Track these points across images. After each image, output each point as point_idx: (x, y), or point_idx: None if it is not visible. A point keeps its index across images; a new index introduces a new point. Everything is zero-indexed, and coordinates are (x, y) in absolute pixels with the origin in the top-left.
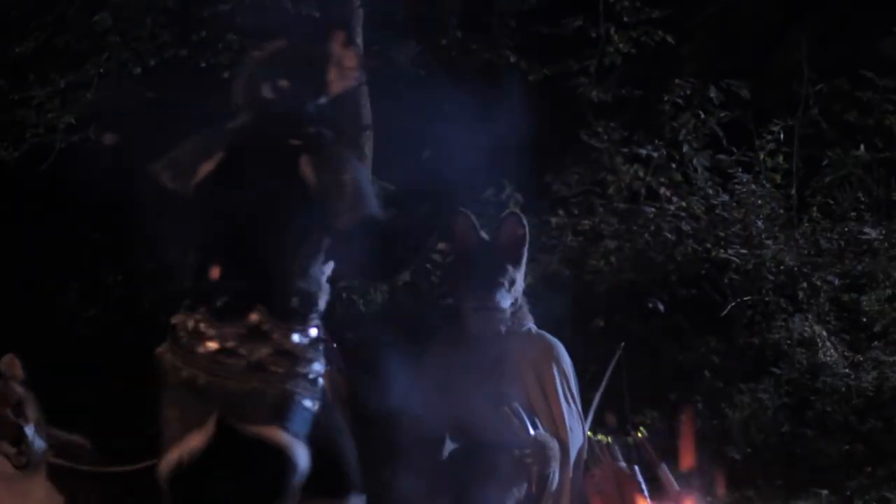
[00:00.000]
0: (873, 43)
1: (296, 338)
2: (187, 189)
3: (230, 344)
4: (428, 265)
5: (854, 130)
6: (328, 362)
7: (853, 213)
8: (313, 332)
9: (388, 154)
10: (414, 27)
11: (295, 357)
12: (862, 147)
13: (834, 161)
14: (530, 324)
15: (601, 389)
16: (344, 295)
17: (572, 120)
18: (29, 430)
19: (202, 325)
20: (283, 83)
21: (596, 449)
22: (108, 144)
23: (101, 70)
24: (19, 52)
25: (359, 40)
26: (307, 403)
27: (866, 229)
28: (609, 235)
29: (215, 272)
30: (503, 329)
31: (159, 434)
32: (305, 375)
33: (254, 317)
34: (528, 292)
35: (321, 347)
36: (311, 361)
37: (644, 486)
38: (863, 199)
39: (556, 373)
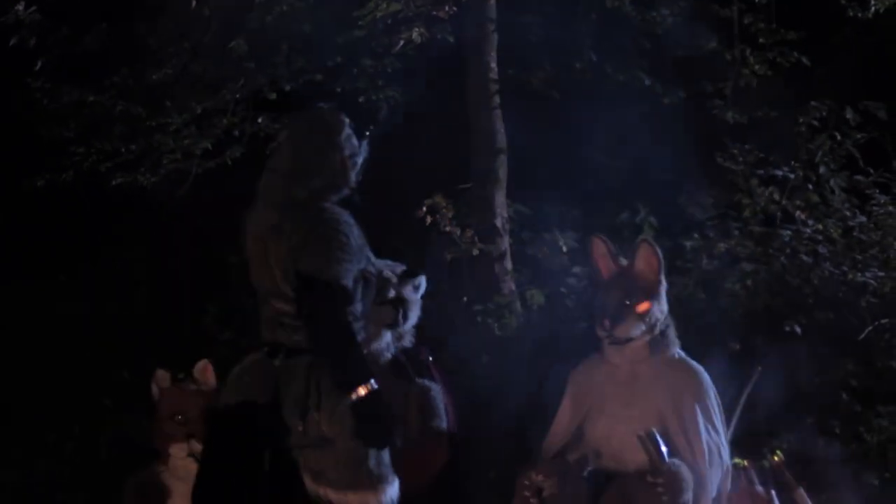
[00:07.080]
0: None
1: None
2: None
3: None
4: (563, 289)
5: None
6: (418, 377)
7: None
8: None
9: (523, 177)
10: (548, 50)
11: None
12: None
13: None
14: (675, 349)
15: (737, 413)
16: (479, 318)
17: (707, 142)
18: None
19: None
20: None
21: (733, 473)
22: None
23: (237, 96)
24: (157, 80)
25: (493, 64)
26: None
27: None
28: (745, 259)
29: None
30: (640, 356)
31: None
32: None
33: None
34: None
35: None
36: None
37: None
38: None
39: (696, 401)
